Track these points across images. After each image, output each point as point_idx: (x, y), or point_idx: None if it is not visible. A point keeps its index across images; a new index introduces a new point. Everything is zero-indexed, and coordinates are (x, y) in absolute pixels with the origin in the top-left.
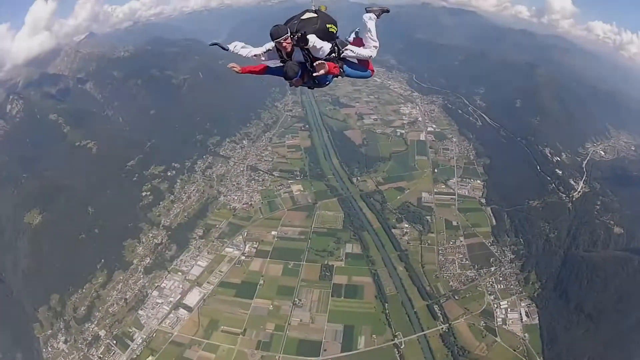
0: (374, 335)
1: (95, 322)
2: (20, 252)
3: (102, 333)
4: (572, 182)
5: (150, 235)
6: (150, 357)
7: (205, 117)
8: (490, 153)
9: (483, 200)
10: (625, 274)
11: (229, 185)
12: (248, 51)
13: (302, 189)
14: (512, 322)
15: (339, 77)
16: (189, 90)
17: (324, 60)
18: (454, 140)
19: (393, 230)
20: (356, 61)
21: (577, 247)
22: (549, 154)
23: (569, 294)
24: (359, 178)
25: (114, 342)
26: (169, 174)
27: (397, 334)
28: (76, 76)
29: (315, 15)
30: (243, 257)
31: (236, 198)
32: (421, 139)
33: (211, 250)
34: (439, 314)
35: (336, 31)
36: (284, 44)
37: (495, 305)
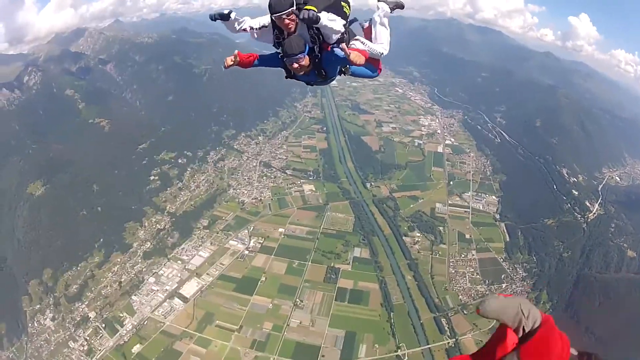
0: (376, 345)
1: (86, 303)
2: (19, 221)
3: (91, 314)
4: (588, 204)
5: (154, 220)
6: (138, 345)
7: (223, 109)
8: (507, 170)
9: (497, 216)
10: (638, 297)
11: (239, 179)
12: (248, 23)
13: (314, 189)
14: None
15: (344, 74)
16: (210, 81)
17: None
18: (472, 155)
19: (404, 238)
20: None
21: (590, 268)
22: (566, 175)
23: (580, 315)
24: (372, 183)
25: (103, 325)
26: (180, 161)
27: (400, 345)
28: (98, 56)
29: None
30: (247, 252)
31: (246, 192)
32: (439, 150)
33: (214, 242)
34: (446, 328)
35: (349, 13)
36: (287, 21)
37: None
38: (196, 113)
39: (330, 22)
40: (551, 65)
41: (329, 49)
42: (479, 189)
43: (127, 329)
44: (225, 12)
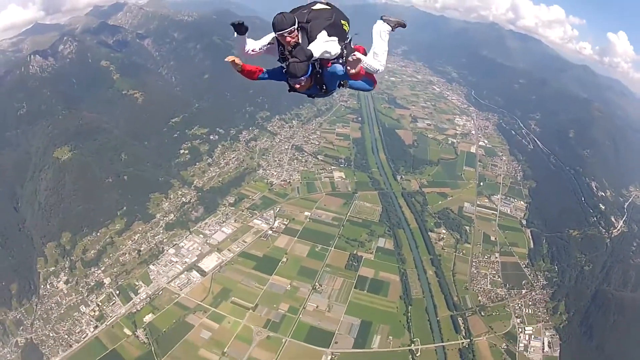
0: (390, 337)
1: (102, 268)
2: (42, 185)
3: (106, 281)
4: (613, 220)
5: (180, 193)
6: (150, 315)
7: (259, 91)
8: (538, 177)
9: (524, 222)
10: None
11: (270, 160)
12: (254, 44)
13: (343, 177)
14: (533, 350)
15: (343, 87)
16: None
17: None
18: (504, 158)
19: (429, 233)
20: None
21: (609, 285)
22: (594, 188)
23: (593, 330)
24: (403, 176)
25: (117, 292)
26: (211, 137)
27: (415, 339)
28: (136, 31)
29: (329, 7)
30: (270, 232)
31: (275, 174)
32: (471, 151)
33: (239, 219)
34: (462, 328)
35: (348, 30)
36: (288, 38)
37: (520, 330)
38: (232, 93)
39: (324, 53)
40: (587, 79)
41: (329, 65)
42: (508, 193)
43: (141, 298)
44: (242, 25)
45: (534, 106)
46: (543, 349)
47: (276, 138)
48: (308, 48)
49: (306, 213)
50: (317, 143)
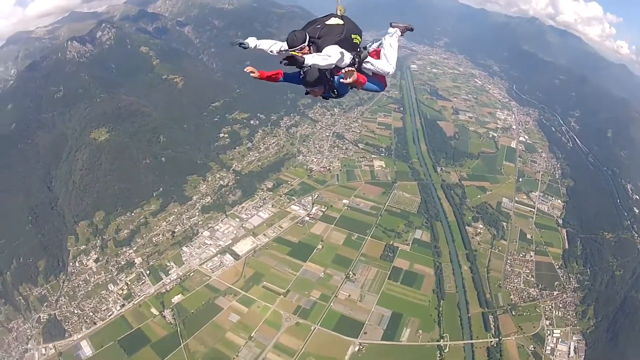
0: (420, 331)
1: (134, 248)
2: (77, 165)
3: (138, 260)
4: None
5: (218, 176)
6: (179, 295)
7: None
8: (576, 176)
9: (560, 221)
10: None
11: (310, 146)
12: (270, 45)
13: (383, 166)
14: (559, 354)
15: (356, 88)
16: None
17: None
18: (543, 155)
19: (467, 227)
20: (371, 74)
21: (637, 292)
22: (629, 190)
23: (619, 337)
24: (443, 168)
25: (148, 272)
26: (252, 122)
27: (444, 335)
28: (176, 19)
29: (342, 22)
30: (307, 218)
31: (315, 160)
32: (512, 146)
33: (276, 204)
34: (492, 326)
35: (360, 42)
36: (300, 54)
37: (549, 332)
38: None
39: (323, 60)
40: (624, 79)
41: (339, 73)
42: (546, 191)
43: (172, 279)
44: (245, 43)
45: (574, 103)
46: (569, 354)
47: (317, 125)
48: (301, 58)
49: (344, 201)
50: (358, 131)
